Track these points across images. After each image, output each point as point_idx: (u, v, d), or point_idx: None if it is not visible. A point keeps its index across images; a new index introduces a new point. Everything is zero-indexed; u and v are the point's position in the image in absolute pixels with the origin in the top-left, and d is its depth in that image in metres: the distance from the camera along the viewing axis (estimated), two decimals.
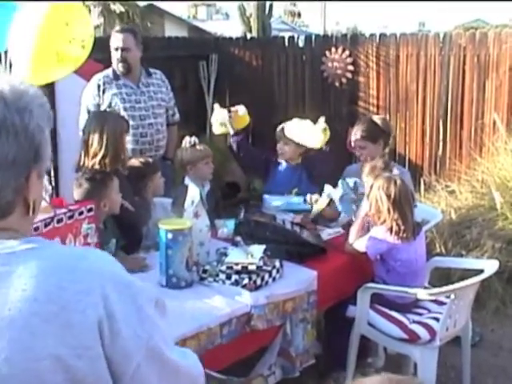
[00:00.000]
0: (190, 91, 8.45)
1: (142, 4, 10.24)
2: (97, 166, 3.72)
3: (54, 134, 6.76)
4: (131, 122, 4.59)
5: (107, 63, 6.31)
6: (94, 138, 3.78)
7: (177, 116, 5.30)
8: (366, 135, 4.52)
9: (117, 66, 4.86)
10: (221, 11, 52.33)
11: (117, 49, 4.83)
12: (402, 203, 3.57)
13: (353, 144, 4.60)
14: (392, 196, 3.53)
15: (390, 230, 3.53)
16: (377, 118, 4.94)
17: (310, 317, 3.42)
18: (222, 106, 4.92)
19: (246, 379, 3.16)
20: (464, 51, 6.74)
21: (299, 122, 4.61)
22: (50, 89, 5.18)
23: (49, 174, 3.55)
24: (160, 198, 4.20)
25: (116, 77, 4.88)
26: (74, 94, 5.27)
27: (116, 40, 4.83)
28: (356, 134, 4.55)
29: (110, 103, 4.81)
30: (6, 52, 2.74)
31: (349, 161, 7.31)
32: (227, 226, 3.97)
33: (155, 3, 22.55)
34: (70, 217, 2.26)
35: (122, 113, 4.72)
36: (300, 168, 4.70)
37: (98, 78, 4.88)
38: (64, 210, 2.25)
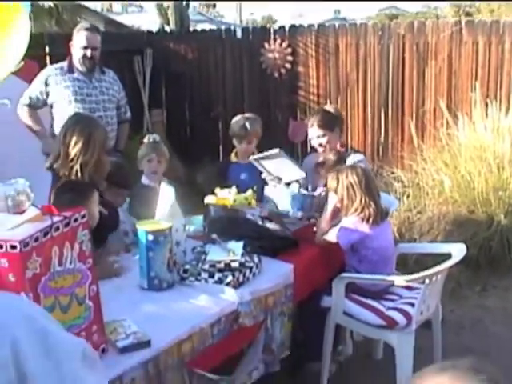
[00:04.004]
0: (126, 87, 8.28)
1: None
2: (77, 168, 3.63)
3: None
4: None
5: (40, 60, 6.19)
6: (79, 142, 3.67)
7: (128, 114, 5.47)
8: (322, 124, 4.51)
9: (83, 63, 4.97)
10: (134, 4, 51.57)
11: (86, 47, 4.94)
12: (370, 188, 3.64)
13: (310, 135, 4.59)
14: (363, 182, 3.59)
15: (362, 217, 3.58)
16: (329, 107, 4.99)
17: (286, 310, 3.44)
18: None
19: (232, 377, 3.13)
20: (403, 40, 6.88)
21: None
22: None
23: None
24: None
25: (70, 70, 4.99)
26: (9, 93, 5.10)
27: (84, 39, 4.94)
28: (313, 124, 4.54)
29: (58, 95, 4.93)
30: None
31: (291, 150, 7.40)
32: (194, 224, 3.94)
33: None
34: (67, 224, 2.18)
35: (73, 104, 4.89)
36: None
37: (51, 69, 5.06)
38: (60, 218, 2.17)
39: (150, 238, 2.98)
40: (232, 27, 8.89)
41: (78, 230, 2.25)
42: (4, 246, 1.98)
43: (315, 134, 4.51)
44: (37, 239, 2.05)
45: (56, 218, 2.16)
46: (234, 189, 4.10)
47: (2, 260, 1.98)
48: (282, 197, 4.17)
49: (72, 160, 3.67)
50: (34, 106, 5.00)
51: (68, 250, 2.19)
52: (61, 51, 5.43)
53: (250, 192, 4.20)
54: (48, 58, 7.01)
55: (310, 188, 4.33)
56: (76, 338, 1.18)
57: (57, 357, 1.05)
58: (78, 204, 3.01)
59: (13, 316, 1.06)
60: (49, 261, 2.09)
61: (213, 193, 4.08)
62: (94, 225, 3.30)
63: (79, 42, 4.94)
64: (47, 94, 4.95)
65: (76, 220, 2.24)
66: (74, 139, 3.71)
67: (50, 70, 5.03)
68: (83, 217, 2.28)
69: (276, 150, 4.26)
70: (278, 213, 4.08)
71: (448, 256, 3.68)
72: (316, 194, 4.21)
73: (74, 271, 2.21)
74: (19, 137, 5.25)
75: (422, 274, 3.45)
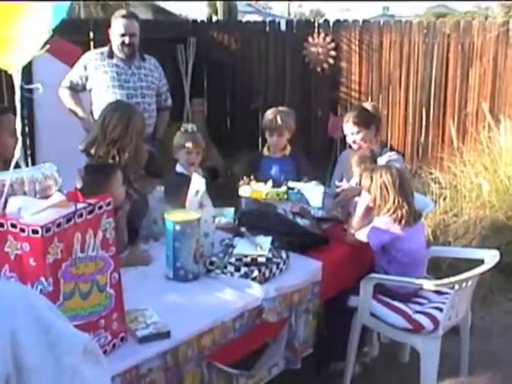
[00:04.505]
0: (168, 75, 8.30)
1: None
2: (114, 153, 3.63)
3: (31, 117, 6.62)
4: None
5: (83, 45, 6.24)
6: (117, 126, 3.68)
7: (169, 101, 5.44)
8: (357, 121, 4.46)
9: (121, 50, 4.99)
10: None
11: (123, 34, 4.96)
12: (404, 188, 3.59)
13: (345, 131, 4.55)
14: (397, 182, 3.54)
15: (395, 218, 3.53)
16: (367, 105, 4.94)
17: (312, 307, 3.40)
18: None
19: (251, 373, 3.11)
20: (448, 39, 6.76)
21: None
22: (26, 72, 5.12)
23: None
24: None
25: (110, 56, 5.02)
26: (51, 77, 5.16)
27: (122, 26, 4.96)
28: (348, 120, 4.49)
29: (97, 80, 4.97)
30: None
31: (329, 145, 7.35)
32: (225, 216, 3.92)
33: None
34: (91, 211, 2.18)
35: (110, 90, 4.92)
36: (287, 159, 4.65)
37: (91, 54, 5.13)
38: (84, 205, 2.17)
39: (177, 228, 2.97)
40: (277, 20, 8.80)
41: (102, 218, 2.24)
42: (26, 230, 1.99)
43: (349, 130, 4.46)
44: (59, 225, 2.05)
45: (80, 205, 2.16)
46: (270, 182, 4.08)
47: (24, 244, 2.00)
48: (311, 194, 4.11)
49: (109, 144, 3.68)
50: (75, 89, 5.05)
51: (91, 237, 2.19)
52: (104, 37, 5.47)
53: (283, 188, 4.17)
54: (92, 43, 7.06)
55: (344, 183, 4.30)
56: (79, 332, 1.16)
57: (57, 350, 1.02)
58: (101, 184, 3.03)
59: (15, 305, 1.04)
60: (71, 247, 2.10)
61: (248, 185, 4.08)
62: (118, 204, 3.29)
63: (117, 29, 4.97)
64: (86, 79, 4.99)
65: (100, 207, 2.23)
66: (112, 124, 3.72)
67: (91, 55, 5.08)
68: (108, 204, 2.27)
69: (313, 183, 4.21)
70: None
71: (481, 262, 3.61)
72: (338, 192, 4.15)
73: (96, 258, 2.21)
74: (59, 122, 5.33)
75: (451, 279, 3.39)
